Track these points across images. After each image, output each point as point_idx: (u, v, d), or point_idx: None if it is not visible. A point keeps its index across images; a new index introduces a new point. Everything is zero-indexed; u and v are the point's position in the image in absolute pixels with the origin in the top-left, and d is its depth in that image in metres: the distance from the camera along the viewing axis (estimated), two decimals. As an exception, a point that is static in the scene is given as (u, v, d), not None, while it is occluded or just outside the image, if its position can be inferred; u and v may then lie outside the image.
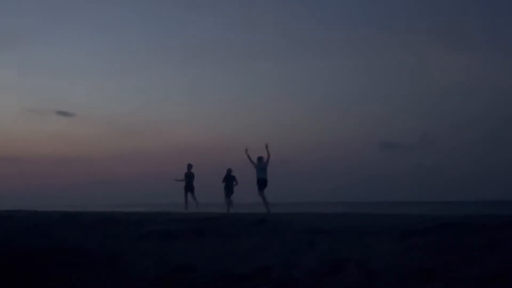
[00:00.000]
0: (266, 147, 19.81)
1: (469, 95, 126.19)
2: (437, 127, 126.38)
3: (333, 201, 66.57)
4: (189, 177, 22.89)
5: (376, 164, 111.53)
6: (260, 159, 19.76)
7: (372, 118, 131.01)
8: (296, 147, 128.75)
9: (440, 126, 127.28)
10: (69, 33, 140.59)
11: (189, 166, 22.99)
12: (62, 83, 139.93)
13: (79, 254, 9.51)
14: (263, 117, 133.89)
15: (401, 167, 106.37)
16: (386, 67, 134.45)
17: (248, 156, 19.97)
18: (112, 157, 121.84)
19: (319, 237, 10.44)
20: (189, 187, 22.78)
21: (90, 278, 7.71)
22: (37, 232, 13.57)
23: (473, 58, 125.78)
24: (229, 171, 21.99)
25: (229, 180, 21.98)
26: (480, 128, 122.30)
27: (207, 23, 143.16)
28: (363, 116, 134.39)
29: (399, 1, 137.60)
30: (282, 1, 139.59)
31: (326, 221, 13.41)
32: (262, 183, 19.77)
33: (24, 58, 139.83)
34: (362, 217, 14.78)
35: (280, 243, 10.06)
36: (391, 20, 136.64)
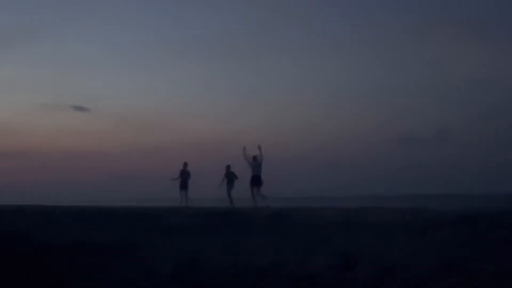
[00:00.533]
0: (259, 148, 21.34)
1: (487, 89, 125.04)
2: (455, 121, 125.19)
3: (350, 196, 66.36)
4: (184, 175, 23.57)
5: (393, 158, 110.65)
6: (255, 158, 21.31)
7: (390, 112, 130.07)
8: (313, 142, 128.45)
9: (458, 120, 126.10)
10: (86, 27, 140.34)
11: (185, 165, 23.68)
12: (78, 78, 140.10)
13: (95, 248, 9.54)
14: (280, 112, 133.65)
15: (418, 160, 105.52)
16: (403, 60, 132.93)
17: (245, 154, 21.43)
18: (127, 152, 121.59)
19: (335, 231, 10.41)
20: (183, 185, 23.53)
21: (105, 272, 7.73)
22: (54, 226, 13.66)
23: (492, 50, 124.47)
24: (228, 167, 22.64)
25: (230, 176, 22.68)
26: (498, 122, 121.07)
27: (223, 18, 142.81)
28: (380, 110, 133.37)
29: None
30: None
31: (343, 215, 13.38)
32: (256, 180, 21.26)
33: (40, 52, 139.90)
34: (379, 212, 14.74)
35: (297, 237, 10.04)
36: (408, 11, 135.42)
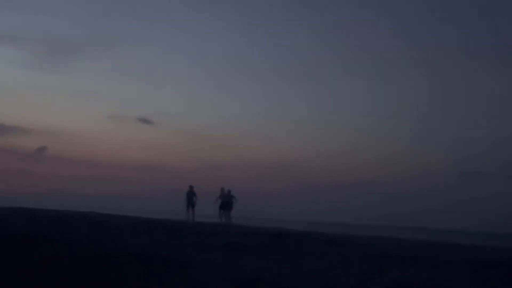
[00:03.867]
0: (229, 192, 28.00)
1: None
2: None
3: (410, 227, 65.28)
4: (189, 196, 28.36)
5: (456, 192, 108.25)
6: (225, 189, 27.91)
7: (454, 145, 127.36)
8: (376, 171, 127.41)
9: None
10: (154, 40, 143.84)
11: (190, 187, 28.60)
12: (145, 90, 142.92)
13: (151, 260, 9.67)
14: (343, 137, 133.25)
15: (482, 196, 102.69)
16: (470, 93, 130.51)
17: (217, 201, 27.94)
18: (188, 166, 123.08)
19: (391, 262, 10.27)
20: (190, 203, 28.25)
21: (160, 285, 7.83)
22: (112, 235, 13.92)
23: None
24: (226, 191, 27.88)
25: (229, 198, 27.83)
26: None
27: (291, 42, 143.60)
28: (444, 143, 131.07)
29: (496, 29, 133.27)
30: (363, 23, 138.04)
31: (400, 247, 13.21)
32: (225, 205, 27.55)
33: (110, 64, 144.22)
34: (437, 246, 14.48)
35: (351, 265, 9.94)
36: (481, 45, 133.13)
